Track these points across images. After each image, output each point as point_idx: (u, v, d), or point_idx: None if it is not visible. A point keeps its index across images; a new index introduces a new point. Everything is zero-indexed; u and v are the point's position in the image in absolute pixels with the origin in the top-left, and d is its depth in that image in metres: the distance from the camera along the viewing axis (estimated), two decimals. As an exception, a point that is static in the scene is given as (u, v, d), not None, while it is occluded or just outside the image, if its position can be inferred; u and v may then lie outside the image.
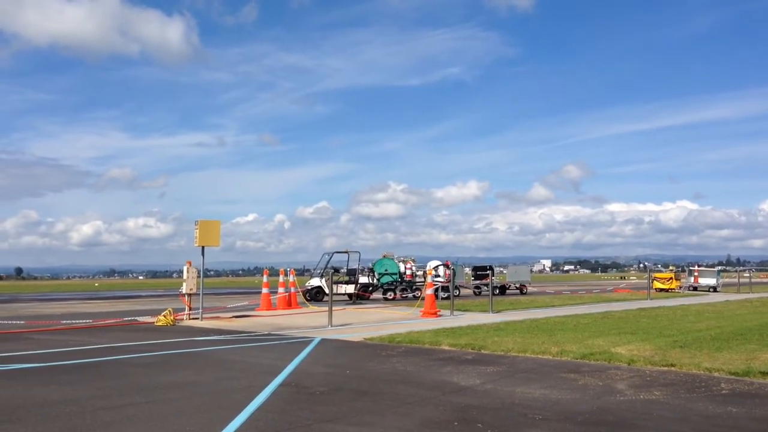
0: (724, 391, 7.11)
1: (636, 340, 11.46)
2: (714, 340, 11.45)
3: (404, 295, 27.81)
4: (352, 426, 5.65)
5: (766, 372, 8.07)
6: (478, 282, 33.12)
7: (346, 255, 28.58)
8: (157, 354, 10.34)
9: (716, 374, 8.17)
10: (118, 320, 17.03)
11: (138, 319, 17.47)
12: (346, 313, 19.25)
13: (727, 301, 26.06)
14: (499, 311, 19.15)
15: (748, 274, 47.42)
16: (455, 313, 18.15)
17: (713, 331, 13.02)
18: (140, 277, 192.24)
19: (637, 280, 69.52)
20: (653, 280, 35.22)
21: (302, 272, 34.15)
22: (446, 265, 27.47)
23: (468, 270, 34.48)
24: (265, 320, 16.96)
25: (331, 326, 14.54)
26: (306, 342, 11.81)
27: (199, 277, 16.85)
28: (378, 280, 28.12)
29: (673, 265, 69.52)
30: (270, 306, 20.89)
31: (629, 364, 8.94)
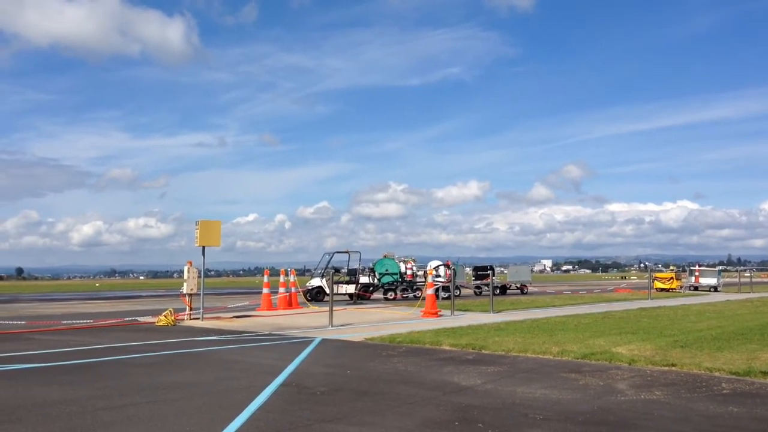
0: (725, 391, 7.11)
1: (637, 340, 11.45)
2: (715, 340, 11.45)
3: (405, 295, 27.81)
4: (352, 426, 5.65)
5: (767, 372, 8.07)
6: (478, 282, 33.12)
7: (347, 255, 28.61)
8: (158, 354, 10.34)
9: (717, 374, 8.16)
10: (118, 320, 17.04)
11: (139, 319, 17.48)
12: (347, 313, 19.25)
13: (727, 300, 26.05)
14: (499, 311, 19.15)
15: (748, 274, 47.38)
16: (456, 313, 18.15)
17: (714, 331, 13.01)
18: (141, 278, 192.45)
19: (637, 280, 69.53)
20: (654, 279, 35.19)
21: (303, 272, 34.16)
22: (447, 265, 27.46)
23: (469, 270, 34.48)
24: (265, 320, 16.96)
25: (332, 326, 14.54)
26: (307, 342, 11.81)
27: (199, 277, 16.85)
28: (379, 280, 28.12)
29: (673, 265, 69.44)
30: (271, 306, 20.89)
31: (630, 364, 8.94)
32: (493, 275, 23.95)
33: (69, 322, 16.67)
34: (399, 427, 5.61)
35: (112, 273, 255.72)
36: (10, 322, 16.69)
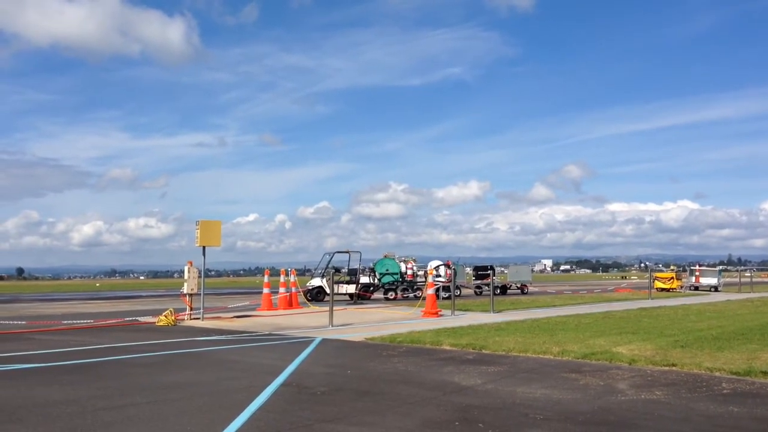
0: (725, 391, 7.11)
1: (637, 340, 11.45)
2: (715, 340, 11.44)
3: (405, 295, 27.81)
4: (353, 426, 5.65)
5: (768, 372, 8.07)
6: (479, 282, 33.12)
7: (347, 255, 28.61)
8: (158, 354, 10.34)
9: (717, 374, 8.16)
10: (119, 320, 17.04)
11: (139, 319, 17.49)
12: (347, 313, 19.25)
13: (728, 300, 26.05)
14: (500, 311, 19.15)
15: (749, 274, 47.38)
16: (456, 313, 18.15)
17: (714, 331, 13.01)
18: (141, 278, 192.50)
19: (638, 280, 69.51)
20: (654, 279, 35.18)
21: (303, 272, 34.15)
22: (447, 265, 27.47)
23: (469, 270, 34.45)
24: (266, 320, 16.96)
25: (332, 326, 14.54)
26: (307, 342, 11.82)
27: (200, 277, 16.86)
28: (379, 280, 28.12)
29: (674, 265, 69.47)
30: (271, 306, 20.90)
31: (630, 364, 8.94)
32: (494, 275, 23.95)
33: (69, 322, 16.68)
34: (399, 427, 5.61)
35: (112, 273, 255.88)
36: (11, 322, 16.69)
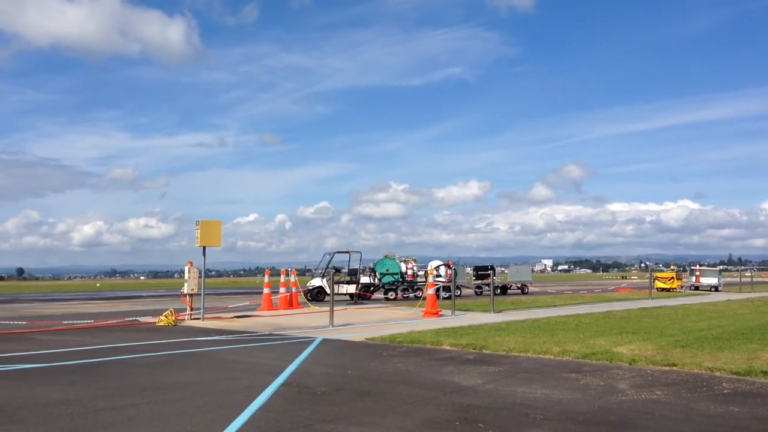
0: (725, 391, 7.11)
1: (637, 340, 11.45)
2: (716, 340, 11.44)
3: (405, 295, 27.81)
4: (353, 426, 5.66)
5: (768, 371, 8.07)
6: (479, 282, 33.11)
7: (348, 255, 28.61)
8: (158, 354, 10.34)
9: (718, 374, 8.16)
10: (119, 320, 17.05)
11: (139, 319, 17.49)
12: (348, 313, 19.25)
13: (728, 300, 26.04)
14: (500, 311, 19.14)
15: (749, 274, 47.36)
16: (456, 313, 18.15)
17: (715, 331, 13.01)
18: (141, 278, 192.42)
19: (638, 280, 69.49)
20: (655, 279, 35.17)
21: (303, 272, 34.19)
22: (447, 265, 27.46)
23: (469, 270, 34.42)
24: (266, 320, 16.97)
25: (333, 326, 14.54)
26: (307, 342, 11.82)
27: (200, 277, 16.86)
28: (379, 280, 28.12)
29: (674, 265, 69.45)
30: (271, 306, 20.90)
31: (631, 364, 8.94)
32: (494, 275, 23.94)
33: (70, 322, 16.68)
34: (400, 427, 5.61)
35: (112, 273, 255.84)
36: (11, 323, 16.69)
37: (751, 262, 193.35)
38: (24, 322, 16.73)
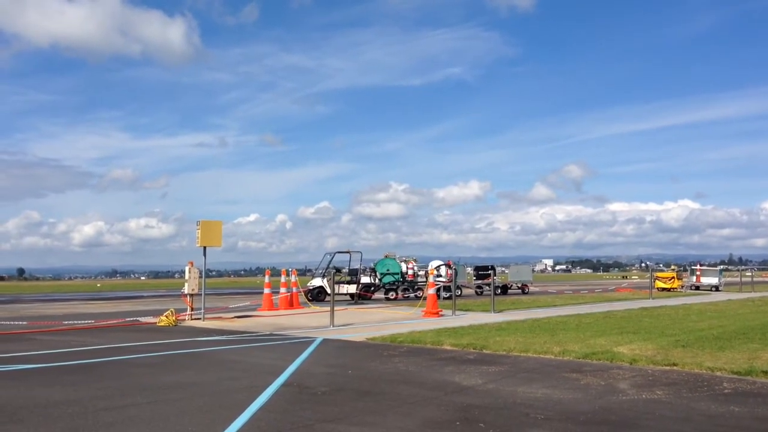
0: (726, 391, 7.10)
1: (638, 340, 11.44)
2: (716, 340, 11.44)
3: (406, 295, 27.81)
4: (354, 426, 5.65)
5: (769, 371, 8.06)
6: (479, 282, 33.11)
7: (348, 255, 28.63)
8: (159, 354, 10.35)
9: (718, 373, 8.16)
10: (120, 321, 17.05)
11: (140, 319, 17.49)
12: (348, 313, 19.25)
13: (729, 300, 26.02)
14: (500, 311, 19.14)
15: (750, 273, 47.36)
16: (457, 312, 18.15)
17: (715, 331, 13.00)
18: (142, 278, 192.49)
19: (639, 280, 69.46)
20: (655, 279, 35.15)
21: (304, 272, 34.15)
22: (448, 265, 27.46)
23: (470, 270, 34.42)
24: (266, 320, 16.97)
25: (333, 326, 14.54)
26: (308, 342, 11.82)
27: (201, 277, 16.86)
28: (380, 280, 28.13)
29: (675, 265, 69.35)
30: (272, 306, 20.90)
31: (631, 364, 8.93)
32: (494, 275, 23.91)
33: (70, 322, 16.69)
34: (400, 427, 5.61)
35: (113, 273, 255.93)
36: (12, 323, 16.70)
37: (751, 261, 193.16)
38: (25, 323, 16.73)
